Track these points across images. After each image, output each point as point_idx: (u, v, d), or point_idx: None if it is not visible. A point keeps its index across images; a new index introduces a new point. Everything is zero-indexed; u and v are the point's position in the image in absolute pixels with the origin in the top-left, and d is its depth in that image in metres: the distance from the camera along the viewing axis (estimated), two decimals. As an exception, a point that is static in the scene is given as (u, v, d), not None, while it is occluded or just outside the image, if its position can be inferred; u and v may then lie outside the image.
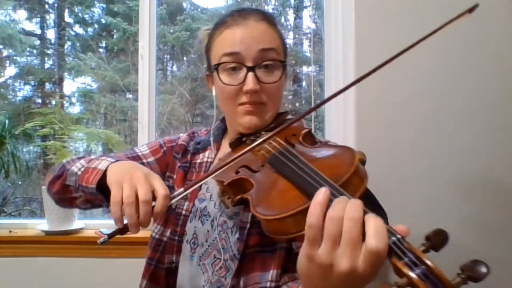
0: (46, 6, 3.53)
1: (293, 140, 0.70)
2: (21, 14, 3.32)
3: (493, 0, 1.45)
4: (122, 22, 3.23)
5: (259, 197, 0.59)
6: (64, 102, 2.89)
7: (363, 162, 0.61)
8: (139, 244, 1.39)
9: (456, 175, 1.43)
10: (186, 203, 0.81)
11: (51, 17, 3.56)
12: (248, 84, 0.75)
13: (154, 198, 0.61)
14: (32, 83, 3.29)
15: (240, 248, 0.73)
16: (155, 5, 1.72)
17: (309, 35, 3.38)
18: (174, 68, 3.70)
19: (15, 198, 2.87)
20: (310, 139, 0.71)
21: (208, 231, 0.78)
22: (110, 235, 0.59)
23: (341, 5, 1.55)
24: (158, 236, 0.82)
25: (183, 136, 0.93)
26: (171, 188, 0.84)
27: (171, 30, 3.23)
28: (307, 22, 3.53)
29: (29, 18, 3.41)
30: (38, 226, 1.60)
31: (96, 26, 3.53)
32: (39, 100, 3.36)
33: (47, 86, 3.37)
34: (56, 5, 3.50)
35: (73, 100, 3.22)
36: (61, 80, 3.37)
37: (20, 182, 2.67)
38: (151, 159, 0.88)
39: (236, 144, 0.80)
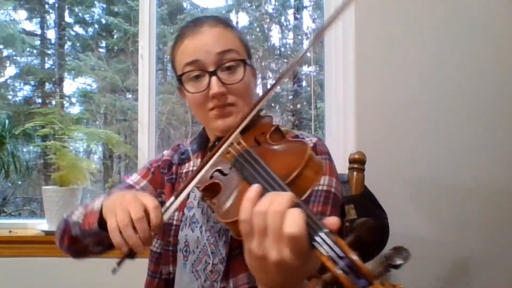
0: (46, 6, 3.53)
1: (261, 139, 0.71)
2: (21, 14, 3.32)
3: (493, 0, 1.45)
4: (122, 22, 3.23)
5: (222, 200, 0.60)
6: (64, 102, 2.89)
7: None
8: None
9: (456, 175, 1.43)
10: (176, 213, 0.84)
11: (51, 17, 3.57)
12: (212, 88, 0.77)
13: (148, 214, 0.63)
14: (32, 83, 3.29)
15: (226, 251, 0.75)
16: (155, 6, 1.72)
17: (309, 35, 3.38)
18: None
19: (15, 198, 2.87)
20: (278, 136, 0.72)
21: (198, 237, 0.79)
22: (119, 263, 0.62)
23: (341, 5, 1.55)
24: (158, 250, 0.85)
25: (166, 152, 0.97)
26: (163, 203, 0.86)
27: (172, 30, 3.23)
28: (307, 22, 3.53)
29: (29, 18, 3.41)
30: (38, 226, 1.60)
31: (96, 26, 3.53)
32: (39, 100, 3.36)
33: (47, 86, 3.36)
34: (56, 5, 3.50)
35: (73, 100, 3.22)
36: (61, 80, 3.37)
37: (20, 182, 2.67)
38: (143, 183, 0.91)
39: (213, 149, 0.83)
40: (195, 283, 0.78)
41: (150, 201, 0.64)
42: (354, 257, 0.42)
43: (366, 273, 0.40)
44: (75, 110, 3.13)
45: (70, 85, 3.45)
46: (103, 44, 3.54)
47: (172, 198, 0.65)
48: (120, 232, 0.62)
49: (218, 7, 3.59)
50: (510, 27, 1.45)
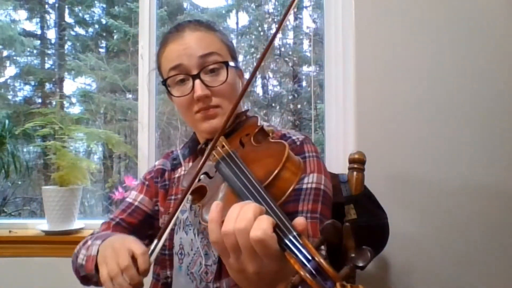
0: (46, 6, 3.53)
1: (245, 140, 0.72)
2: (21, 14, 3.32)
3: (493, 0, 1.45)
4: (122, 24, 3.23)
5: (206, 205, 0.61)
6: (64, 102, 2.88)
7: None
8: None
9: (456, 175, 1.43)
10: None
11: (51, 17, 3.56)
12: (196, 91, 0.78)
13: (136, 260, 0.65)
14: (32, 83, 3.29)
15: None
16: (155, 6, 1.72)
17: (309, 35, 3.38)
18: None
19: (15, 198, 2.87)
20: (262, 137, 0.72)
21: (191, 240, 0.80)
22: None
23: (341, 5, 1.55)
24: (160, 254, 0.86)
25: (158, 161, 0.99)
26: (157, 212, 0.92)
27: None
28: (307, 22, 3.54)
29: (29, 18, 3.41)
30: (38, 226, 1.60)
31: (96, 26, 3.53)
32: (39, 100, 3.36)
33: (47, 86, 3.36)
34: (56, 5, 3.50)
35: (73, 100, 3.22)
36: (61, 80, 3.36)
37: (20, 182, 2.67)
38: (140, 197, 0.93)
39: (201, 151, 0.84)
40: (191, 285, 0.78)
41: (137, 248, 0.65)
42: (321, 259, 0.42)
43: (332, 275, 0.41)
44: (75, 110, 3.12)
45: (70, 85, 3.45)
46: (103, 45, 3.54)
47: (156, 241, 0.66)
48: (112, 281, 0.64)
49: (218, 7, 3.59)
50: (510, 27, 1.45)
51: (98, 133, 1.73)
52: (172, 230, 0.84)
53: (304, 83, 3.48)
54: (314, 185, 0.77)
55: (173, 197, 0.89)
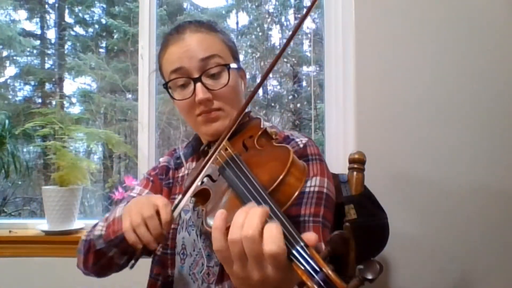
0: (46, 6, 3.53)
1: (249, 143, 0.71)
2: (21, 14, 3.32)
3: (493, 0, 1.45)
4: (122, 23, 3.23)
5: (209, 209, 0.61)
6: (64, 102, 2.88)
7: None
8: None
9: (456, 175, 1.43)
10: None
11: (51, 17, 3.56)
12: (198, 95, 0.77)
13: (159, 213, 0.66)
14: (32, 83, 3.29)
15: None
16: (155, 6, 1.72)
17: (309, 35, 3.38)
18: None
19: (15, 198, 2.87)
20: (265, 139, 0.72)
21: (194, 240, 0.80)
22: (136, 259, 0.66)
23: (341, 5, 1.55)
24: (158, 253, 0.86)
25: (163, 158, 0.99)
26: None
27: (171, 30, 3.24)
28: (307, 22, 3.53)
29: (29, 18, 3.41)
30: (38, 226, 1.60)
31: (96, 26, 3.53)
32: (39, 100, 3.36)
33: (47, 86, 3.36)
34: (56, 5, 3.50)
35: (73, 100, 3.22)
36: (61, 80, 3.37)
37: (20, 182, 2.67)
38: (145, 192, 0.93)
39: (204, 153, 0.83)
40: (192, 286, 0.78)
41: (160, 200, 0.67)
42: (329, 271, 0.42)
43: (341, 287, 0.41)
44: (75, 110, 3.12)
45: (70, 85, 3.45)
46: (103, 44, 3.54)
47: (180, 196, 0.67)
48: (135, 231, 0.65)
49: (218, 7, 3.59)
50: (510, 27, 1.45)
51: (98, 133, 1.73)
52: (175, 229, 0.83)
53: (304, 83, 3.49)
54: (317, 189, 0.77)
55: (176, 196, 0.88)
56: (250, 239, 0.45)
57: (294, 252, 0.45)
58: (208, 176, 0.69)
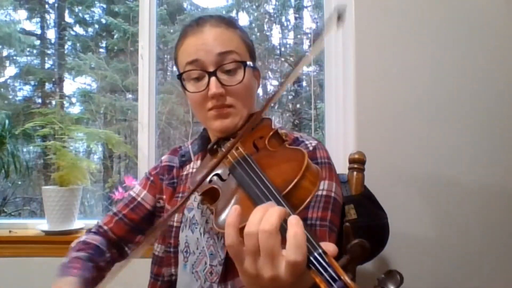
0: (46, 6, 3.53)
1: (259, 144, 0.70)
2: (21, 14, 3.32)
3: (493, 1, 1.45)
4: (122, 22, 3.23)
5: (219, 208, 0.60)
6: (64, 102, 2.88)
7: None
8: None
9: (456, 175, 1.43)
10: (176, 215, 0.84)
11: (51, 17, 3.56)
12: (211, 89, 0.76)
13: None
14: (32, 83, 3.29)
15: (225, 253, 0.75)
16: (155, 6, 1.72)
17: (309, 35, 3.38)
18: (174, 68, 3.70)
19: (15, 198, 2.87)
20: (277, 140, 0.71)
21: (197, 238, 0.80)
22: None
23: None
24: (160, 254, 0.86)
25: (164, 157, 0.98)
26: (162, 208, 0.91)
27: (171, 30, 3.23)
28: (307, 22, 3.53)
29: (29, 18, 3.41)
30: (38, 226, 1.60)
31: (96, 26, 3.53)
32: (39, 100, 3.36)
33: (47, 86, 3.36)
34: (56, 5, 3.50)
35: (73, 100, 3.22)
36: (61, 80, 3.36)
37: (20, 182, 2.67)
38: (143, 194, 0.93)
39: (212, 150, 0.82)
40: (195, 284, 0.78)
41: None
42: (348, 279, 0.41)
43: None
44: (75, 110, 3.12)
45: (70, 85, 3.44)
46: (103, 44, 3.53)
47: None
48: None
49: (218, 7, 3.59)
50: (510, 27, 1.45)
51: (98, 133, 1.73)
52: (178, 227, 0.83)
53: (304, 83, 3.48)
54: (325, 192, 0.76)
55: (180, 195, 0.87)
56: (267, 232, 0.44)
57: (311, 258, 0.44)
58: (217, 175, 0.68)
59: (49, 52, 3.50)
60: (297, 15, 3.57)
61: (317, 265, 0.43)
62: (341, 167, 1.36)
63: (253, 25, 3.59)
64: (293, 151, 0.63)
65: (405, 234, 1.41)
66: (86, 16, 3.48)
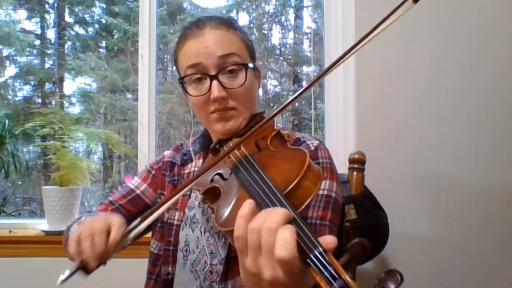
0: (46, 6, 3.53)
1: (262, 144, 0.70)
2: (21, 13, 3.32)
3: (493, 2, 1.45)
4: (122, 23, 3.23)
5: (220, 207, 0.60)
6: (64, 102, 2.88)
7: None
8: (139, 244, 1.39)
9: (456, 174, 1.43)
10: (177, 213, 0.84)
11: (51, 17, 3.56)
12: (213, 93, 0.76)
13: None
14: (32, 83, 3.29)
15: (225, 252, 0.75)
16: (155, 6, 1.72)
17: (309, 35, 3.38)
18: (174, 68, 3.70)
19: (15, 198, 2.87)
20: (279, 141, 0.71)
21: (198, 237, 0.80)
22: (70, 274, 0.61)
23: (341, 5, 1.55)
24: (156, 251, 0.86)
25: (167, 152, 0.97)
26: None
27: (171, 30, 3.23)
28: (307, 22, 3.53)
29: (29, 18, 3.41)
30: (38, 226, 1.60)
31: (96, 26, 3.53)
32: (39, 100, 3.36)
33: (47, 86, 3.36)
34: (56, 5, 3.50)
35: (73, 100, 3.21)
36: (61, 80, 3.36)
37: (20, 182, 2.67)
38: (143, 187, 0.92)
39: (214, 150, 0.82)
40: (194, 283, 0.78)
41: (116, 220, 0.66)
42: (348, 278, 0.41)
43: None
44: (75, 110, 3.12)
45: (70, 85, 3.44)
46: (103, 44, 3.53)
47: (138, 220, 0.65)
48: (78, 243, 0.64)
49: (218, 7, 3.59)
50: (510, 27, 1.45)
51: (98, 133, 1.73)
52: (178, 226, 0.83)
53: (304, 83, 3.48)
54: (325, 192, 0.77)
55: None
56: (269, 230, 0.44)
57: (312, 256, 0.43)
58: (219, 174, 0.68)
59: (49, 52, 3.50)
60: (297, 15, 3.57)
61: (317, 263, 0.43)
62: (341, 167, 1.36)
63: (253, 25, 3.59)
64: (295, 151, 0.63)
65: (405, 234, 1.41)
66: (86, 16, 3.48)
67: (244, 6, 3.64)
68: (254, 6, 3.60)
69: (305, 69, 3.48)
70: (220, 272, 0.75)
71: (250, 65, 0.81)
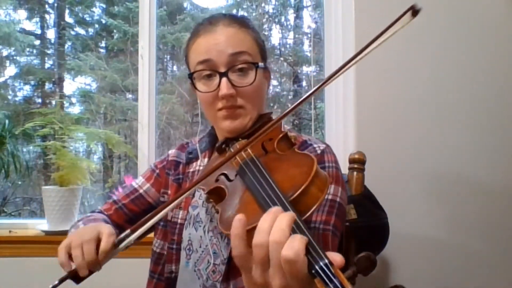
0: (46, 6, 3.53)
1: (268, 146, 0.70)
2: (21, 13, 3.32)
3: (493, 2, 1.45)
4: (122, 23, 3.23)
5: (224, 209, 0.59)
6: (64, 102, 2.88)
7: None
8: (139, 244, 1.39)
9: (456, 174, 1.43)
10: (181, 212, 0.84)
11: (51, 17, 3.56)
12: (222, 90, 0.76)
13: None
14: (32, 83, 3.29)
15: (228, 252, 0.75)
16: (155, 6, 1.72)
17: (309, 35, 3.38)
18: (174, 68, 3.70)
19: (15, 198, 2.87)
20: (286, 143, 0.70)
21: (201, 237, 0.80)
22: (61, 280, 0.63)
23: (341, 5, 1.55)
24: (159, 250, 0.86)
25: (172, 151, 0.97)
26: (162, 204, 0.89)
27: (171, 30, 3.23)
28: (307, 22, 3.53)
29: (29, 18, 3.41)
30: (38, 226, 1.60)
31: (96, 26, 3.53)
32: (39, 100, 3.36)
33: (47, 86, 3.36)
34: (56, 5, 3.50)
35: (73, 100, 3.21)
36: (61, 80, 3.36)
37: (20, 182, 2.66)
38: (146, 186, 0.93)
39: (220, 149, 0.82)
40: (196, 282, 0.78)
41: (106, 229, 0.67)
42: None
43: None
44: (75, 110, 3.12)
45: (70, 85, 3.44)
46: (103, 44, 3.53)
47: (128, 231, 0.65)
48: (69, 252, 0.65)
49: (218, 7, 3.59)
50: (510, 27, 1.45)
51: (98, 133, 1.73)
52: (182, 225, 0.83)
53: (304, 83, 3.48)
54: (330, 197, 0.76)
55: None
56: (277, 243, 0.44)
57: (317, 268, 0.43)
58: (224, 174, 0.68)
59: (49, 52, 3.50)
60: (297, 15, 3.57)
61: (323, 275, 0.43)
62: (341, 167, 1.36)
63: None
64: (303, 156, 0.62)
65: (405, 234, 1.41)
66: (86, 16, 3.48)
67: (244, 6, 3.64)
68: (254, 6, 3.60)
69: (305, 69, 3.48)
70: (223, 272, 0.75)
71: (261, 64, 0.81)
